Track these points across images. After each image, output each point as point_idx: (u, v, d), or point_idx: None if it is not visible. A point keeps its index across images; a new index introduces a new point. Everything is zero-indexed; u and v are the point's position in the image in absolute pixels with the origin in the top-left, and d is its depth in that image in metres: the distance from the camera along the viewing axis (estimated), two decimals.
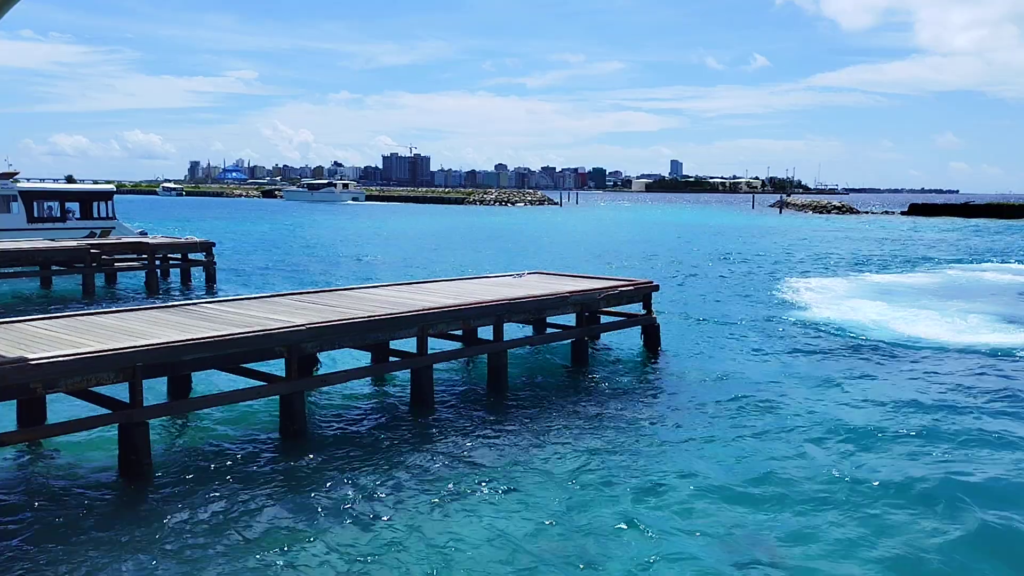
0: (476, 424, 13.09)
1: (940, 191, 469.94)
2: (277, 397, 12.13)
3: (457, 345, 15.77)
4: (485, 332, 15.81)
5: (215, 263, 31.81)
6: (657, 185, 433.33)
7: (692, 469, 11.16)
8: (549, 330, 18.16)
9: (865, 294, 29.82)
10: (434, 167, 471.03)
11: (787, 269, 39.57)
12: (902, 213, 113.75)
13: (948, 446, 12.25)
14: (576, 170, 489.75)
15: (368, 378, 15.18)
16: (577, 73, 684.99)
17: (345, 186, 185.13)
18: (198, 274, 31.96)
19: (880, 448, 12.16)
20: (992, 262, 44.84)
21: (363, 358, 16.27)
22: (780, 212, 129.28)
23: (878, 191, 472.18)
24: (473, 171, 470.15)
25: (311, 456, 11.38)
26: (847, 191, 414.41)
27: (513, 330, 16.91)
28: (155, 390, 12.63)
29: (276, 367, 12.56)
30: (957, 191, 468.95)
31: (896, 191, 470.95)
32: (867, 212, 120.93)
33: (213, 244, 32.25)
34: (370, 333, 13.20)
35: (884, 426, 13.18)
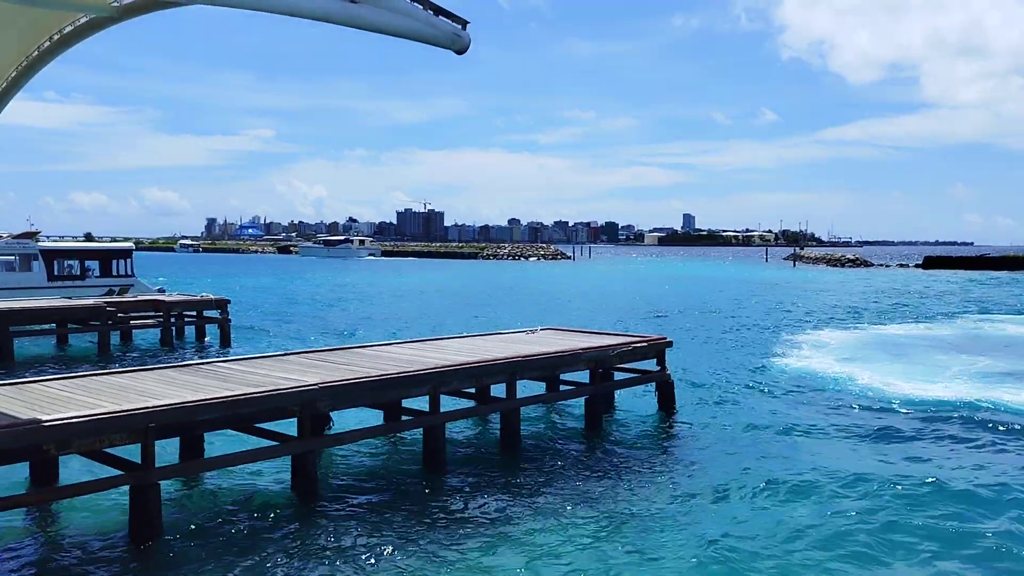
0: (489, 485, 12.96)
1: (954, 243, 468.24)
2: (289, 457, 12.08)
3: (470, 403, 15.70)
4: (498, 389, 15.75)
5: (230, 320, 31.98)
6: (670, 239, 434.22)
7: (708, 536, 10.97)
8: (562, 387, 18.06)
9: (883, 348, 29.55)
10: (448, 222, 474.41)
11: (801, 323, 39.34)
12: (917, 266, 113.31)
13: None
14: (589, 224, 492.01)
15: (381, 437, 15.11)
16: (589, 130, 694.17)
17: (362, 242, 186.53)
18: (213, 331, 32.12)
19: (905, 521, 11.93)
20: (1012, 315, 44.41)
21: (376, 417, 16.21)
22: (794, 265, 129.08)
23: (892, 243, 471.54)
24: (487, 226, 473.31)
25: (323, 518, 11.28)
26: (861, 244, 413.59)
27: (527, 387, 16.83)
28: (168, 450, 12.60)
29: (289, 426, 12.55)
30: (971, 243, 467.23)
31: (910, 243, 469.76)
32: (882, 265, 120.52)
33: (228, 302, 32.46)
34: (382, 391, 13.19)
35: (908, 494, 12.96)
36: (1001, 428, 16.81)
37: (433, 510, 11.71)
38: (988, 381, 22.17)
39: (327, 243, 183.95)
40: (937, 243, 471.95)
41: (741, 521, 11.42)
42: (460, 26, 8.19)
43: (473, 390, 15.73)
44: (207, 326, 32.27)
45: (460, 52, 8.36)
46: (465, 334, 19.39)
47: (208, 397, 11.13)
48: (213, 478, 12.79)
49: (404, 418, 14.65)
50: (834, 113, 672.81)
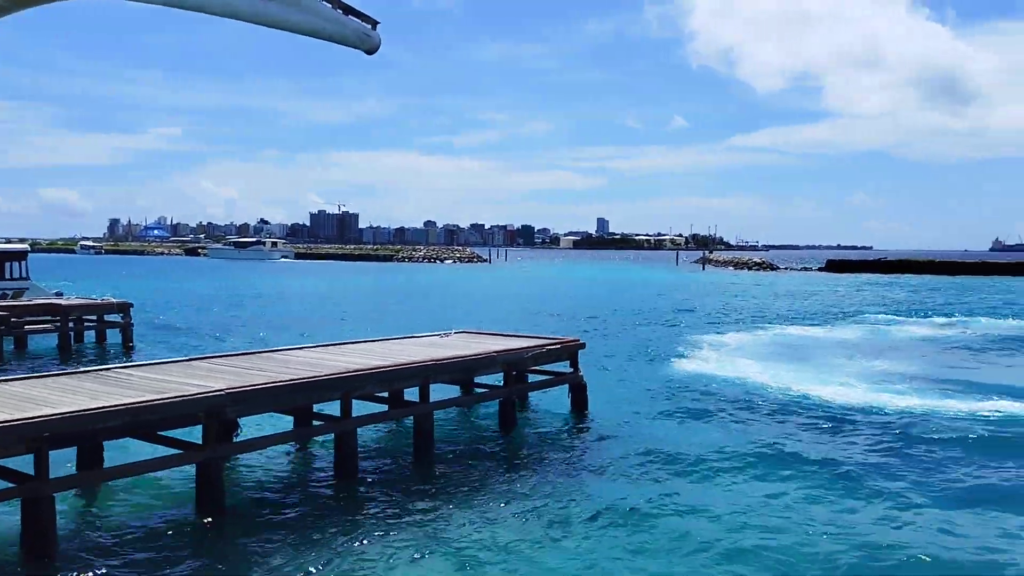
0: (401, 490, 12.86)
1: (855, 247, 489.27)
2: (194, 465, 11.71)
3: (382, 407, 15.53)
4: (412, 393, 15.64)
5: (133, 325, 30.83)
6: (585, 242, 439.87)
7: (620, 534, 11.14)
8: (477, 390, 18.05)
9: (784, 349, 30.59)
10: (363, 224, 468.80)
11: (708, 324, 40.37)
12: (819, 269, 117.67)
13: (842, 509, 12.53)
14: (505, 227, 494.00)
15: (291, 443, 14.81)
16: (505, 132, 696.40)
17: (274, 244, 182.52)
18: (115, 337, 30.90)
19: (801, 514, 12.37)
20: (907, 316, 46.58)
21: (286, 423, 15.87)
22: (703, 268, 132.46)
23: (796, 247, 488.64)
24: (402, 228, 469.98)
25: (229, 529, 10.98)
26: (767, 247, 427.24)
27: (440, 391, 16.79)
28: (64, 460, 12.05)
29: (195, 434, 12.16)
30: (871, 247, 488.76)
31: (814, 247, 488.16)
32: (787, 268, 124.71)
33: (131, 305, 31.30)
34: (292, 396, 12.93)
35: (801, 490, 13.44)
36: (891, 427, 17.51)
37: (344, 517, 11.54)
38: (880, 381, 23.14)
39: (238, 245, 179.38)
40: (839, 247, 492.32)
41: (649, 519, 11.63)
42: (370, 26, 8.09)
43: (386, 394, 15.58)
44: (108, 331, 31.03)
45: (370, 52, 8.26)
46: (378, 338, 19.17)
47: (107, 404, 10.68)
48: (114, 489, 12.30)
49: (315, 423, 14.41)
50: (743, 121, 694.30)
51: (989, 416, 18.37)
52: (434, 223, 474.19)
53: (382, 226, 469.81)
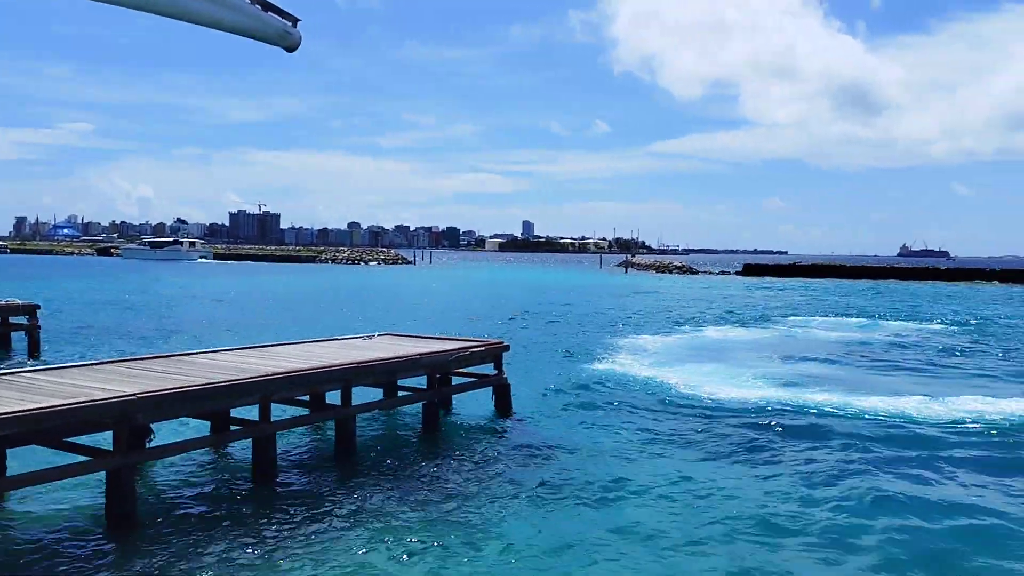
0: (322, 495, 12.65)
1: (771, 252, 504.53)
2: (104, 474, 11.28)
3: (303, 411, 15.27)
4: (333, 397, 15.41)
5: (39, 327, 29.53)
6: (510, 245, 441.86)
7: (542, 537, 11.20)
8: (400, 393, 17.90)
9: (701, 351, 31.28)
10: (284, 225, 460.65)
11: (629, 327, 40.97)
12: (737, 273, 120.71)
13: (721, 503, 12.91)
14: (430, 229, 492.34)
15: (207, 449, 14.41)
16: (431, 134, 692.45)
17: (192, 244, 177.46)
18: (20, 340, 29.55)
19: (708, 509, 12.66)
20: (819, 318, 48.18)
21: (202, 428, 15.45)
22: (626, 271, 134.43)
23: (715, 251, 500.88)
24: (325, 229, 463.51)
25: (140, 539, 10.60)
26: (687, 251, 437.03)
27: (363, 394, 16.58)
28: None
29: (106, 440, 11.71)
30: (786, 252, 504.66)
31: (732, 251, 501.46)
32: (706, 272, 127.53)
33: (37, 307, 29.96)
34: (208, 401, 12.57)
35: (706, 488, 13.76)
36: (803, 428, 17.97)
37: (262, 524, 11.28)
38: (795, 382, 23.79)
39: (154, 245, 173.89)
40: (756, 251, 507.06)
41: (571, 519, 11.72)
42: (290, 23, 7.95)
43: (307, 398, 15.33)
44: (13, 334, 29.64)
45: (290, 50, 8.11)
46: (299, 340, 18.85)
47: (8, 410, 10.19)
48: (15, 500, 11.75)
49: (233, 428, 14.05)
50: (664, 127, 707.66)
51: (890, 413, 19.14)
52: (358, 225, 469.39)
53: (305, 227, 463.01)
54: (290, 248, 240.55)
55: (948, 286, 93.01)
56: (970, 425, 18.10)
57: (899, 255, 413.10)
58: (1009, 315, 52.62)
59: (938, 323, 45.99)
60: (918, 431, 17.58)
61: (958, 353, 32.08)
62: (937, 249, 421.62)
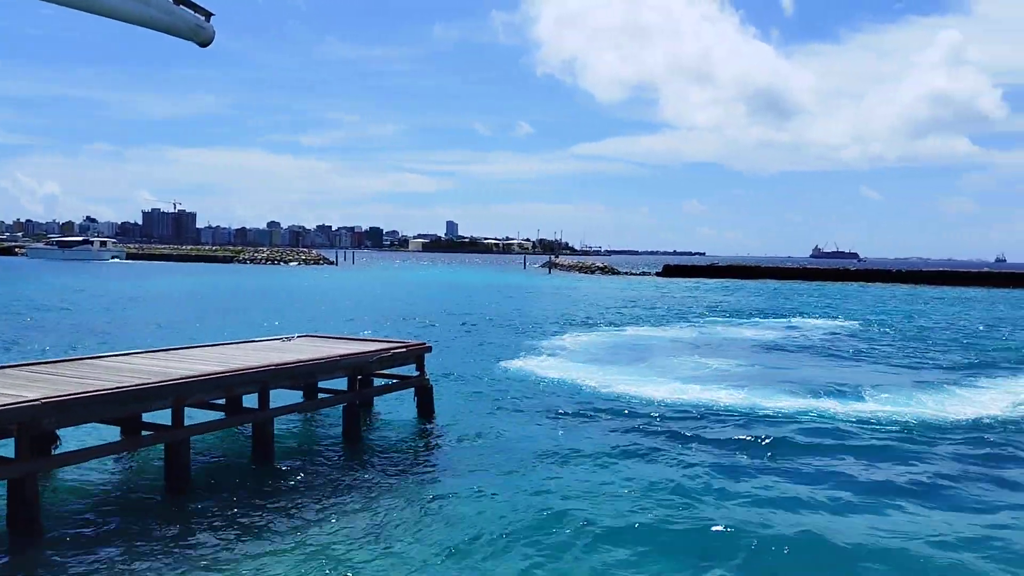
0: (238, 501, 12.38)
1: (690, 253, 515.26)
2: (3, 482, 10.79)
3: (219, 415, 14.90)
4: (250, 400, 15.10)
5: None
6: (434, 245, 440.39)
7: (463, 539, 11.20)
8: (320, 395, 17.65)
9: (622, 351, 31.78)
10: (201, 224, 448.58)
11: (551, 326, 41.32)
12: (657, 274, 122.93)
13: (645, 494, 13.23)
14: (353, 229, 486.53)
15: (116, 456, 13.95)
16: (353, 133, 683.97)
17: (103, 243, 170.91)
18: None
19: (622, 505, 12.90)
20: (736, 317, 49.47)
21: (113, 434, 14.94)
22: (549, 272, 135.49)
23: (637, 252, 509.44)
24: (244, 229, 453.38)
25: (46, 549, 10.19)
26: (610, 252, 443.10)
27: (282, 397, 16.30)
28: None
29: (8, 448, 11.21)
30: (704, 253, 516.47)
31: (653, 253, 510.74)
32: (627, 272, 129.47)
33: None
34: (118, 405, 12.16)
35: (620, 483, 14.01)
36: (719, 426, 18.43)
37: (174, 532, 10.98)
38: (710, 381, 24.32)
39: (62, 244, 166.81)
40: (675, 252, 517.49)
41: (494, 520, 11.76)
42: (204, 17, 7.75)
43: (223, 401, 14.98)
44: None
45: (204, 45, 7.89)
46: (215, 342, 18.39)
47: None
48: None
49: (144, 433, 13.61)
50: (586, 129, 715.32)
51: (798, 412, 19.82)
52: (278, 224, 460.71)
53: (222, 226, 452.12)
54: (207, 248, 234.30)
55: (857, 286, 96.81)
56: (878, 425, 18.77)
57: (812, 256, 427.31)
58: (912, 314, 55.01)
59: (847, 322, 47.76)
60: (822, 429, 18.14)
61: (865, 352, 33.38)
62: (848, 251, 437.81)
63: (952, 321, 49.87)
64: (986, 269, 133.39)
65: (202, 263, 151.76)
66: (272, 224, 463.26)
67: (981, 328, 45.49)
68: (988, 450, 16.46)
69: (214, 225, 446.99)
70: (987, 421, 19.14)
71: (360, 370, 17.04)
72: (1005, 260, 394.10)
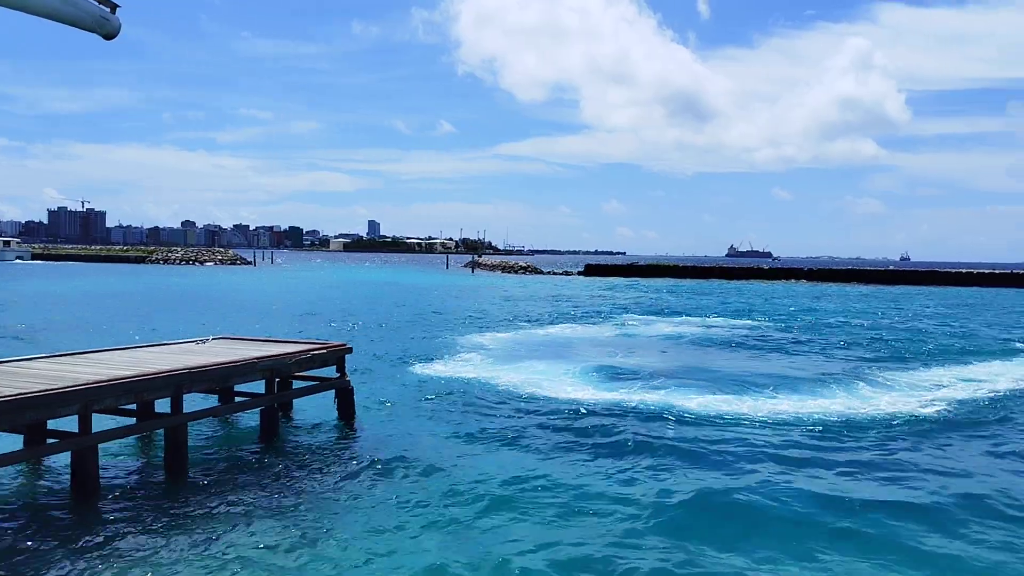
0: (150, 510, 12.00)
1: (611, 253, 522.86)
2: None
3: (130, 421, 14.40)
4: (163, 405, 14.65)
5: None
6: (355, 245, 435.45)
7: (384, 541, 11.12)
8: (237, 399, 17.25)
9: (542, 349, 32.02)
10: (111, 223, 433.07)
11: (473, 326, 41.35)
12: (579, 273, 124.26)
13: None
14: (271, 228, 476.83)
15: (19, 465, 13.34)
16: (270, 130, 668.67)
17: (7, 243, 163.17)
18: None
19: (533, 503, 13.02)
20: (653, 315, 50.38)
21: (15, 442, 14.28)
22: (472, 272, 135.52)
23: (559, 252, 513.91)
24: (157, 228, 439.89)
25: None
26: (532, 252, 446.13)
27: (197, 402, 15.88)
28: None
29: None
30: (624, 252, 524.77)
31: (574, 252, 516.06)
32: (550, 272, 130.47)
33: None
34: (20, 413, 11.63)
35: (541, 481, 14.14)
36: (634, 425, 18.57)
37: (80, 545, 10.56)
38: (628, 379, 24.75)
39: None
40: (596, 252, 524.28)
41: (412, 523, 11.71)
42: (108, 9, 7.47)
43: (133, 407, 14.49)
44: None
45: (108, 37, 7.60)
46: (125, 346, 17.77)
47: None
48: None
49: (50, 441, 13.07)
50: (508, 129, 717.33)
51: (709, 411, 20.33)
52: (193, 224, 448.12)
53: (134, 226, 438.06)
54: (118, 248, 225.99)
55: (771, 284, 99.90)
56: (789, 421, 19.32)
57: (727, 255, 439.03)
58: (823, 311, 57.02)
59: (761, 319, 49.17)
60: (736, 427, 18.62)
61: (778, 348, 34.43)
62: (761, 250, 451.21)
63: (862, 317, 51.88)
64: (892, 267, 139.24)
65: (112, 264, 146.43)
66: (187, 224, 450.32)
67: (890, 323, 47.46)
68: (897, 444, 17.14)
69: (125, 225, 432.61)
70: (898, 417, 19.93)
71: (278, 372, 16.72)
72: (909, 259, 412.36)
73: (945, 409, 20.57)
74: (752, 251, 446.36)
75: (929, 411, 20.32)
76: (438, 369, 26.00)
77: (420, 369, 25.98)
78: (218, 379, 15.41)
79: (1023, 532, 11.80)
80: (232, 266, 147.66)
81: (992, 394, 23.08)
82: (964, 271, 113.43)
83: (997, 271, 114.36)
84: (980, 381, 25.52)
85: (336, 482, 13.67)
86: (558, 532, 11.45)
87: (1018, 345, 36.70)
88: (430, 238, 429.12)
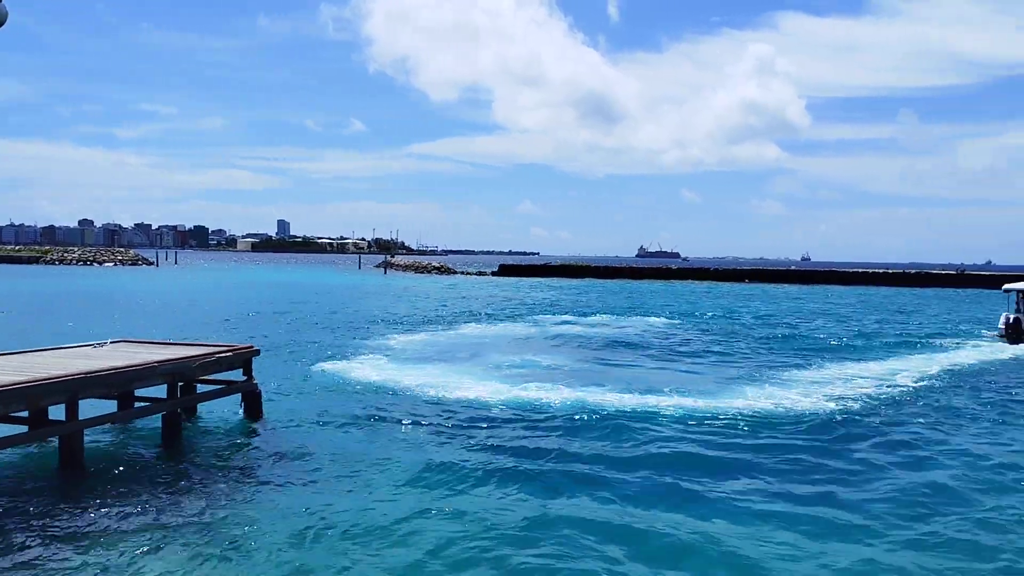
0: (41, 523, 11.41)
1: (525, 252, 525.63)
2: None
3: (21, 428, 13.71)
4: (58, 412, 13.99)
5: None
6: (264, 245, 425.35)
7: (289, 544, 10.92)
8: (137, 404, 16.62)
9: (451, 349, 31.99)
10: (1, 222, 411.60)
11: (387, 327, 40.96)
12: (493, 273, 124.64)
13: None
14: (175, 228, 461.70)
15: None
16: (173, 126, 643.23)
17: None
18: None
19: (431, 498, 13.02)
20: (567, 315, 50.93)
21: None
22: (385, 272, 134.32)
23: (474, 252, 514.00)
24: (52, 227, 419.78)
25: None
26: (446, 252, 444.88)
27: (95, 408, 15.22)
28: None
29: None
30: (538, 253, 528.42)
31: (489, 252, 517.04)
32: (463, 272, 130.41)
33: None
34: None
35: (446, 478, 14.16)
36: (539, 426, 18.51)
37: None
38: (538, 380, 24.62)
39: None
40: (511, 252, 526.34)
41: (319, 527, 11.54)
42: None
43: (26, 413, 13.81)
44: None
45: None
46: (16, 350, 16.89)
47: None
48: None
49: None
50: (420, 129, 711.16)
51: (627, 408, 20.69)
52: (91, 222, 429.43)
53: (27, 224, 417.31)
54: (9, 248, 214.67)
55: (679, 284, 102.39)
56: (695, 422, 19.67)
57: (637, 256, 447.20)
58: (729, 309, 58.78)
59: (671, 318, 50.34)
60: (645, 425, 18.84)
61: (687, 347, 35.32)
62: (670, 250, 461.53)
63: (765, 315, 53.68)
64: (793, 267, 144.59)
65: (2, 264, 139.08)
66: (84, 222, 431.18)
67: (792, 321, 49.24)
68: (798, 441, 17.70)
69: (17, 223, 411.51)
70: (798, 413, 20.66)
71: (181, 376, 16.22)
72: (810, 259, 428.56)
73: (844, 406, 21.38)
74: (661, 252, 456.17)
75: (830, 406, 21.12)
76: (346, 371, 25.62)
77: (329, 371, 25.57)
78: (117, 384, 14.83)
79: (909, 520, 12.42)
80: (133, 267, 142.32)
81: (889, 389, 24.19)
82: (860, 271, 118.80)
83: (891, 271, 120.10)
84: (875, 378, 26.72)
85: (241, 488, 13.33)
86: (459, 526, 11.50)
87: (912, 341, 38.61)
88: (342, 238, 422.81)
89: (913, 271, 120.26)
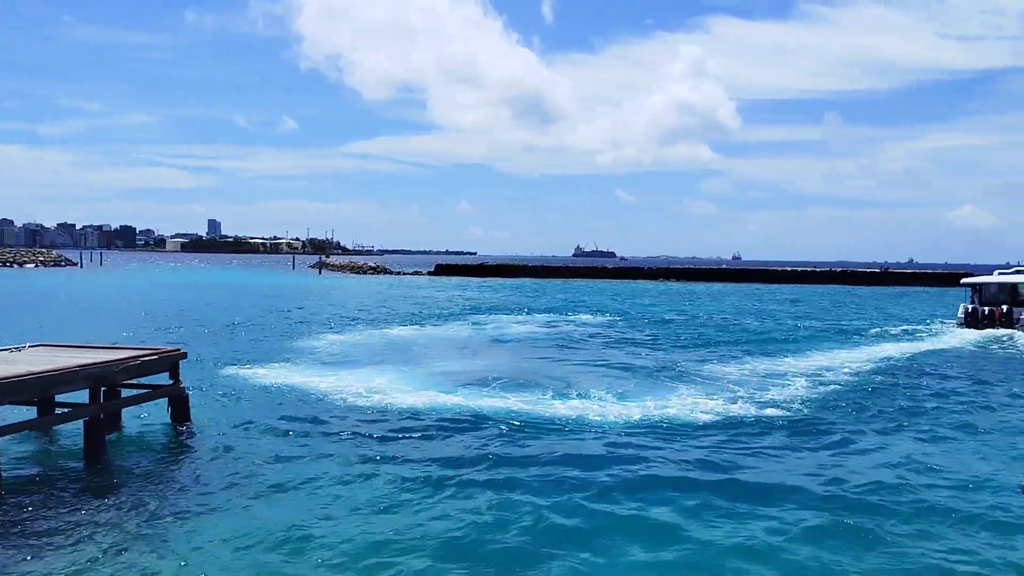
0: None
1: (462, 252, 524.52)
2: None
3: None
4: None
5: None
6: (194, 245, 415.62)
7: (216, 548, 10.69)
8: (58, 410, 16.04)
9: (388, 351, 31.75)
10: None
11: (317, 328, 40.36)
12: (429, 273, 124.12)
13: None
14: (101, 228, 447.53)
15: None
16: (97, 123, 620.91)
17: None
18: None
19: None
20: (503, 315, 51.02)
21: None
22: (320, 272, 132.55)
23: (410, 252, 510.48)
24: None
25: None
26: (382, 252, 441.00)
27: (11, 415, 14.65)
28: None
29: None
30: (475, 252, 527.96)
31: (425, 252, 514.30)
32: (399, 272, 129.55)
33: None
34: None
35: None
36: (471, 430, 18.20)
37: None
38: (470, 382, 24.23)
39: None
40: (447, 252, 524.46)
41: (255, 532, 11.34)
42: None
43: None
44: None
45: None
46: None
47: None
48: None
49: None
50: (355, 127, 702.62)
51: (558, 411, 20.78)
52: (11, 222, 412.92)
53: None
54: None
55: (616, 283, 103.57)
56: (631, 423, 19.69)
57: (574, 255, 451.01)
58: (663, 307, 59.67)
59: (607, 317, 50.84)
60: (576, 431, 18.94)
61: (621, 346, 35.71)
62: (606, 250, 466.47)
63: (700, 313, 54.63)
64: (724, 266, 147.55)
65: None
66: (4, 222, 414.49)
67: (726, 319, 50.22)
68: (734, 439, 18.07)
69: None
70: (733, 413, 21.06)
71: (105, 381, 15.72)
72: (740, 258, 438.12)
73: (782, 401, 21.90)
74: (597, 251, 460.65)
75: (767, 399, 21.61)
76: (277, 374, 25.16)
77: (258, 374, 25.06)
78: (36, 389, 14.31)
79: (842, 513, 12.79)
80: (56, 268, 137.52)
81: (822, 386, 24.86)
82: (788, 269, 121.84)
83: (818, 269, 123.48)
84: (801, 373, 27.43)
85: (166, 495, 13.01)
86: (390, 532, 11.47)
87: (842, 336, 39.78)
88: (275, 238, 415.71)
89: (839, 269, 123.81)
